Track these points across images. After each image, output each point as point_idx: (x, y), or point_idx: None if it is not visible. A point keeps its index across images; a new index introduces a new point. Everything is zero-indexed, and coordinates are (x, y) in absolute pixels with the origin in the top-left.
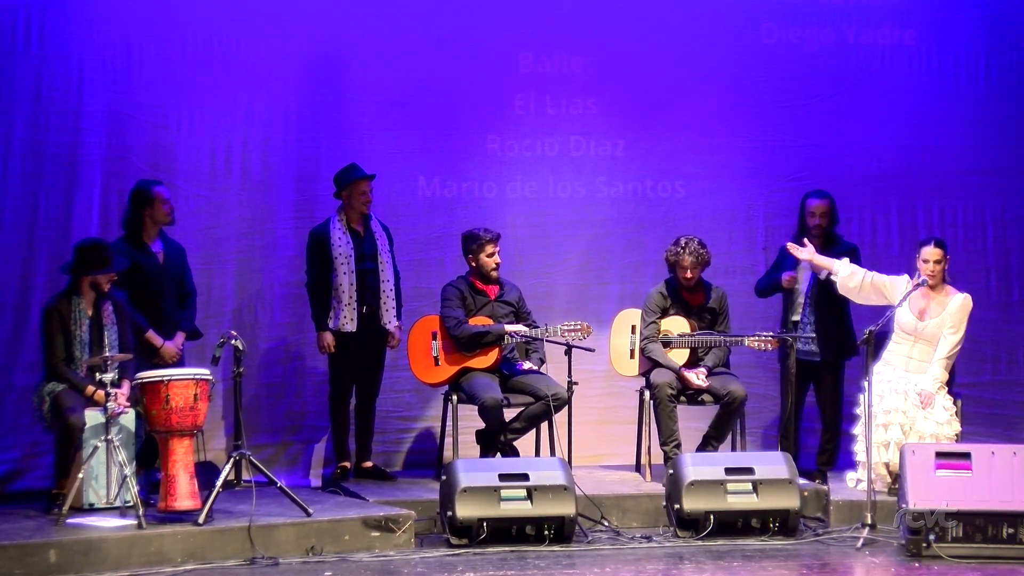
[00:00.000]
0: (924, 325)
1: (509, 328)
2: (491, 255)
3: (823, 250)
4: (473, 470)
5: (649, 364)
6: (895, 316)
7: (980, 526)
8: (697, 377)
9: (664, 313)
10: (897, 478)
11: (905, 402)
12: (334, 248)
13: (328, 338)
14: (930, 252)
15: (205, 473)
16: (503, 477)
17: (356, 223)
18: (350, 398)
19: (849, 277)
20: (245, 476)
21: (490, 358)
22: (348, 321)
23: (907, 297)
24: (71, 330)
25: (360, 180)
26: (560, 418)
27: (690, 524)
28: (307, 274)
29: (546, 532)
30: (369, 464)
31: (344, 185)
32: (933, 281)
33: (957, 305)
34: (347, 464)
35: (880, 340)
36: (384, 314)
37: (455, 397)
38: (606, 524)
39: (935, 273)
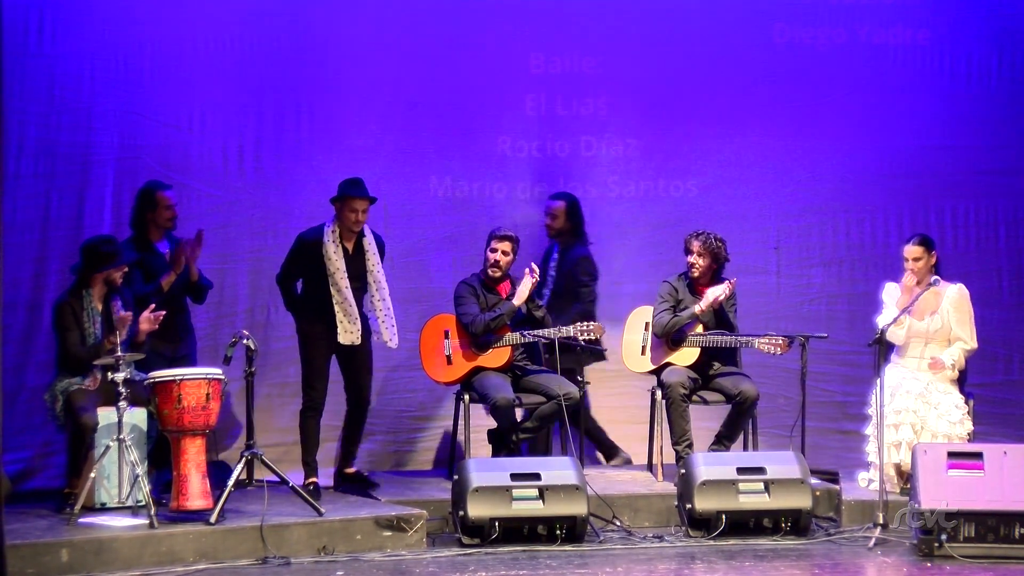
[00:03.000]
0: (928, 322)
1: (517, 302)
2: (494, 251)
3: (564, 252)
4: (485, 469)
5: (664, 354)
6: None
7: (992, 526)
8: (713, 293)
9: (676, 304)
10: (908, 478)
11: (916, 402)
12: (330, 263)
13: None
14: (908, 250)
15: (217, 473)
16: (515, 477)
17: (347, 239)
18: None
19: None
20: (257, 476)
21: (502, 357)
22: (355, 333)
23: (918, 297)
24: (84, 326)
25: (354, 198)
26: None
27: (702, 524)
28: (283, 269)
29: (558, 532)
30: (352, 470)
31: (340, 196)
32: (917, 277)
33: (955, 297)
34: (315, 479)
35: None
36: (384, 331)
37: (467, 396)
38: (618, 524)
39: (915, 271)
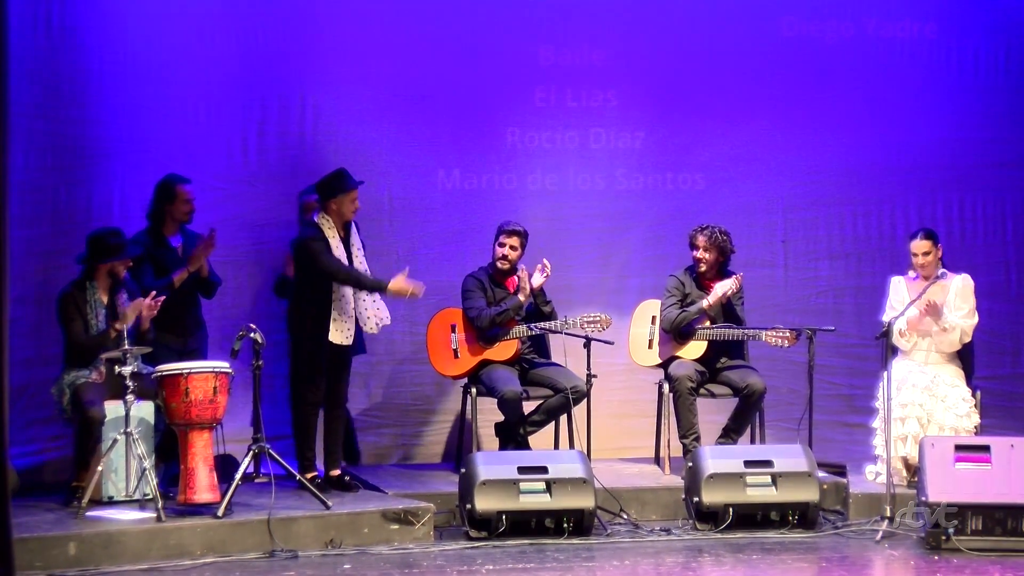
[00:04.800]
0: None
1: (522, 297)
2: (503, 245)
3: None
4: (492, 463)
5: (671, 348)
6: (908, 314)
7: (999, 519)
8: (721, 288)
9: (683, 299)
10: (915, 472)
11: (922, 395)
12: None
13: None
14: (916, 245)
15: (224, 466)
16: (522, 470)
17: (341, 231)
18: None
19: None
20: (264, 469)
21: (509, 350)
22: (349, 334)
23: (926, 290)
24: (88, 317)
25: (353, 190)
26: (579, 411)
27: (709, 517)
28: (302, 282)
29: (565, 525)
30: (336, 472)
31: (335, 194)
32: (926, 272)
33: (960, 287)
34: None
35: None
36: (370, 318)
37: (474, 390)
38: (625, 517)
39: (925, 265)
